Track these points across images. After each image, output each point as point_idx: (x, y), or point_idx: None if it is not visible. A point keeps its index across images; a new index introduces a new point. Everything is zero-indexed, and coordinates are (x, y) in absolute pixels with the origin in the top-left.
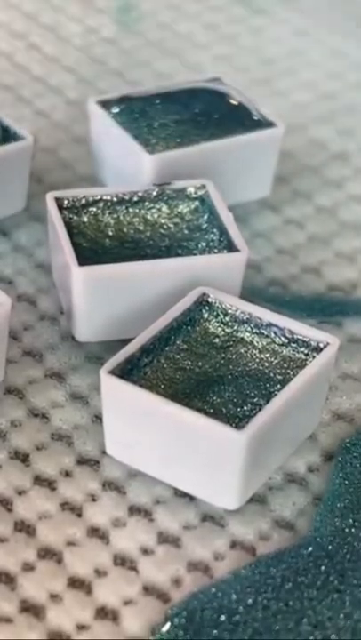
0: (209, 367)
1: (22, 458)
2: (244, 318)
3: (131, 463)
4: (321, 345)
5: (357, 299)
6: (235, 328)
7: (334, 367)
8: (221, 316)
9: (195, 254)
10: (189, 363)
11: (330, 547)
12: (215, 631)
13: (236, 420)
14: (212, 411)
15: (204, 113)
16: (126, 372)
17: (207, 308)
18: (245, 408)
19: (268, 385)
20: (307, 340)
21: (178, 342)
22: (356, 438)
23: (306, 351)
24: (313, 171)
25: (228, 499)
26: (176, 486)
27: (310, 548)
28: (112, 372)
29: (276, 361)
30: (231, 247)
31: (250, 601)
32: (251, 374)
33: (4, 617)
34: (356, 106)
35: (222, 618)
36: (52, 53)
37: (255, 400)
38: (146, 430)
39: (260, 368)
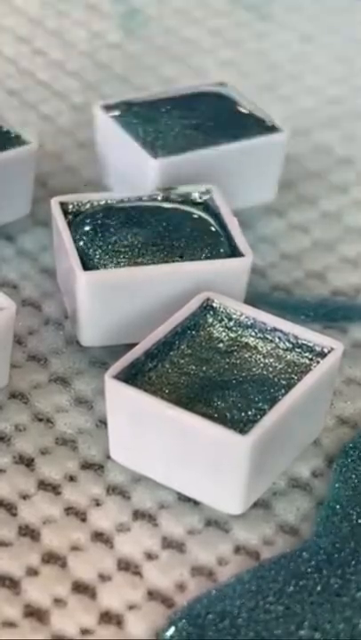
0: (213, 372)
1: (27, 462)
2: (249, 323)
3: (135, 468)
4: (325, 350)
5: None
6: (239, 333)
7: (339, 372)
8: (226, 321)
9: (200, 259)
10: (194, 367)
11: (331, 550)
12: (218, 635)
13: (241, 425)
14: (216, 415)
15: (209, 117)
16: (130, 376)
17: (212, 312)
18: (250, 413)
19: (272, 390)
20: (311, 345)
21: (182, 347)
22: (356, 441)
23: (310, 356)
24: (318, 176)
25: (231, 504)
26: (180, 491)
27: (312, 552)
28: (116, 377)
29: (280, 366)
30: (236, 252)
31: (252, 605)
32: (255, 379)
33: (8, 621)
34: None
35: (225, 622)
36: (57, 58)
37: (259, 405)
38: (150, 435)
39: (265, 373)
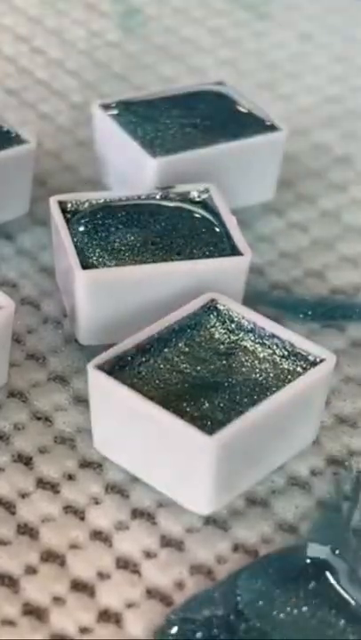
0: (207, 372)
1: (25, 461)
2: (250, 327)
3: (116, 460)
4: (318, 360)
5: None
6: (240, 336)
7: (337, 371)
8: (228, 323)
9: (198, 258)
10: (188, 366)
11: (330, 549)
12: (217, 634)
13: (219, 427)
14: (197, 415)
15: (207, 116)
16: (118, 369)
17: (215, 313)
18: (233, 416)
19: (261, 395)
20: (305, 354)
21: (180, 345)
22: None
23: (305, 365)
24: (317, 174)
25: (200, 503)
26: (154, 487)
27: (311, 550)
28: (100, 368)
29: (274, 372)
30: (234, 251)
31: (251, 603)
32: (247, 383)
33: (7, 620)
34: (360, 110)
35: (224, 620)
36: (56, 57)
37: (243, 409)
38: (127, 428)
39: (259, 378)
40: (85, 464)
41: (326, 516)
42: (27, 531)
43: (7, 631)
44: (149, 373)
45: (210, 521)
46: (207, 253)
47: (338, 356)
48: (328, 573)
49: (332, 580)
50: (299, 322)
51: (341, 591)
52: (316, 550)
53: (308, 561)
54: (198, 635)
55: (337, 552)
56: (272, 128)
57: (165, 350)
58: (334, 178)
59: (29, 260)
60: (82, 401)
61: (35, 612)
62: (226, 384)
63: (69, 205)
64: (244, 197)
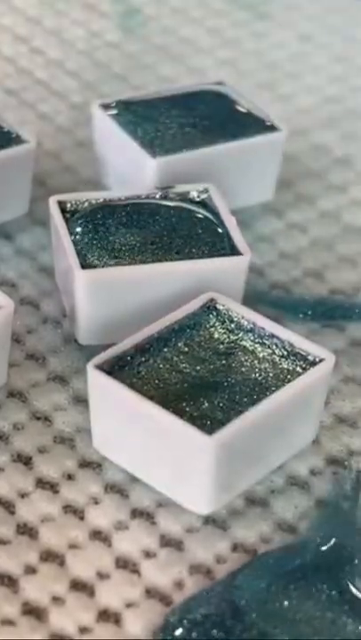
0: (206, 372)
1: (25, 461)
2: (249, 327)
3: (115, 460)
4: (318, 360)
5: (360, 302)
6: (239, 336)
7: (336, 371)
8: (227, 323)
9: (198, 258)
10: (187, 366)
11: (330, 548)
12: (217, 633)
13: (219, 427)
14: (198, 415)
15: (207, 117)
16: (117, 369)
17: (214, 313)
18: (232, 416)
19: (261, 395)
20: (305, 354)
21: (179, 344)
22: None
23: (304, 365)
24: (316, 175)
25: (199, 503)
26: (154, 487)
27: (311, 550)
28: (99, 367)
29: (273, 372)
30: (234, 251)
31: (251, 602)
32: (247, 383)
33: (6, 619)
34: (360, 110)
35: (223, 620)
36: (56, 57)
37: (242, 409)
38: (126, 428)
39: (258, 378)
40: (85, 464)
41: (326, 515)
42: (26, 530)
43: (7, 631)
44: (149, 373)
45: (209, 521)
46: (207, 253)
47: (337, 356)
48: (330, 571)
49: (335, 578)
50: (298, 322)
51: (352, 588)
52: (318, 547)
53: (309, 558)
54: (197, 634)
55: (341, 550)
56: (272, 128)
57: (165, 350)
58: (334, 178)
59: (29, 260)
60: (81, 401)
61: (34, 612)
62: (225, 384)
63: (69, 205)
64: (243, 197)
